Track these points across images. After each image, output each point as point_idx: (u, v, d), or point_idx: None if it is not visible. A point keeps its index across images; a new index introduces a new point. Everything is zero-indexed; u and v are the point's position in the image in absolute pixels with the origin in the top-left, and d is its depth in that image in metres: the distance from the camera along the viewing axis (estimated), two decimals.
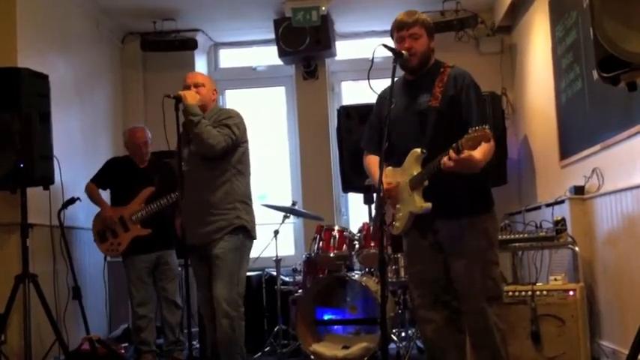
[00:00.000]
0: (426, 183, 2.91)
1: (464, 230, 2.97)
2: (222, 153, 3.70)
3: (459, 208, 2.98)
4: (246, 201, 3.82)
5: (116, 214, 4.80)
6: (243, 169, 3.83)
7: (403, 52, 2.99)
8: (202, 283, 3.81)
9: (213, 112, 3.83)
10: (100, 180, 4.93)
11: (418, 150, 2.94)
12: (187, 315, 4.13)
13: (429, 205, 2.91)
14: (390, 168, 3.08)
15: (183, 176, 3.74)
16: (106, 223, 4.81)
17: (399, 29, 3.06)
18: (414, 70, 3.09)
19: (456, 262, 2.99)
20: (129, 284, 4.83)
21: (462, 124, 2.82)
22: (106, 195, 5.01)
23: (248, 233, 3.79)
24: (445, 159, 2.75)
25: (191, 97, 3.70)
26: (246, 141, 3.86)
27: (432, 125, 2.98)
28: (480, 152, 2.76)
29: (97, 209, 4.91)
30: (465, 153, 2.70)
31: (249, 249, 3.87)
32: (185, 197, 3.76)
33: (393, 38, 3.12)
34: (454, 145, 2.72)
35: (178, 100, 3.66)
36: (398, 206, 3.06)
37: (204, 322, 3.90)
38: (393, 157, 3.08)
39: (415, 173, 2.94)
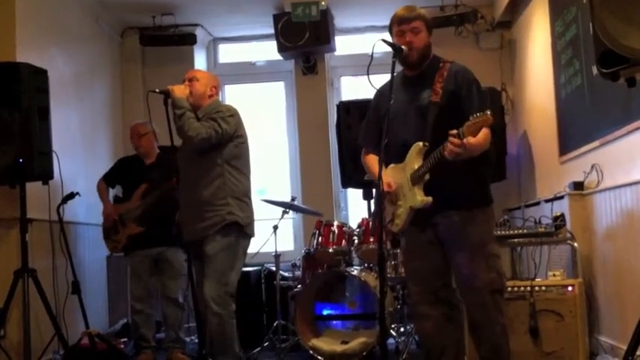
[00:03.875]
0: (427, 177, 2.91)
1: (465, 222, 2.97)
2: (205, 145, 3.64)
3: (459, 200, 2.97)
4: (241, 197, 3.76)
5: (116, 212, 4.84)
6: (239, 166, 3.79)
7: (403, 47, 2.99)
8: (200, 279, 3.79)
9: (210, 107, 3.79)
10: (108, 178, 5.02)
11: (420, 143, 2.94)
12: (196, 310, 4.06)
13: (429, 198, 2.90)
14: (391, 165, 3.07)
15: (179, 172, 3.74)
16: (107, 220, 4.87)
17: (399, 23, 3.05)
18: (414, 65, 3.08)
19: (457, 255, 2.98)
20: (129, 279, 4.84)
21: (462, 119, 2.81)
22: (118, 192, 5.09)
23: (242, 230, 3.74)
24: (450, 146, 2.73)
25: (179, 90, 3.68)
26: (240, 136, 3.80)
27: (433, 120, 2.97)
28: (477, 139, 2.77)
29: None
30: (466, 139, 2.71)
31: (245, 247, 3.82)
32: (181, 193, 3.75)
33: (391, 33, 3.11)
34: (456, 131, 2.72)
35: (166, 94, 3.66)
36: (399, 203, 3.05)
37: (202, 318, 3.89)
38: (393, 154, 3.06)
39: (417, 167, 2.94)
